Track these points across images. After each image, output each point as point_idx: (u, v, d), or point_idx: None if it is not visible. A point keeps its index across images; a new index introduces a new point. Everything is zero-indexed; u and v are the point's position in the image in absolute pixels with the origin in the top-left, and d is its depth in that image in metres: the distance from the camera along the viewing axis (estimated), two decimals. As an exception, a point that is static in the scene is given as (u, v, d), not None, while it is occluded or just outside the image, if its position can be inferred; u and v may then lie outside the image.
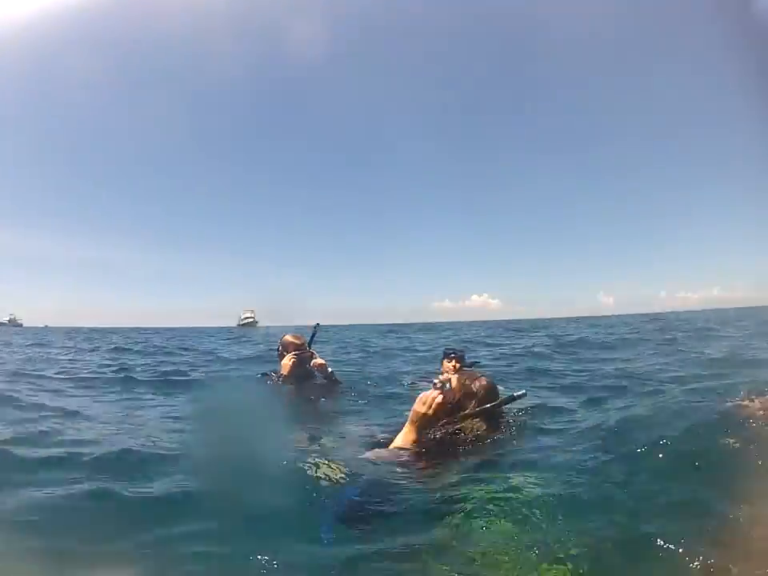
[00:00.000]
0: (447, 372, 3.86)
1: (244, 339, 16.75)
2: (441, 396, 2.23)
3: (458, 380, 2.37)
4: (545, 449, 2.23)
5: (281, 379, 3.73)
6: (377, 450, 2.24)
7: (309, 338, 3.87)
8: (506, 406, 2.34)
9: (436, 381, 2.32)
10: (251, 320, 63.28)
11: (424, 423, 2.22)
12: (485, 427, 2.24)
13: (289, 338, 3.92)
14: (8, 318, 76.66)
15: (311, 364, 3.75)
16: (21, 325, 74.31)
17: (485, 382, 2.36)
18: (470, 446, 2.17)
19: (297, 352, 3.75)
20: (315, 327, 3.95)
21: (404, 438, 2.22)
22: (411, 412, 2.26)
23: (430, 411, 2.21)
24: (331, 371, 3.83)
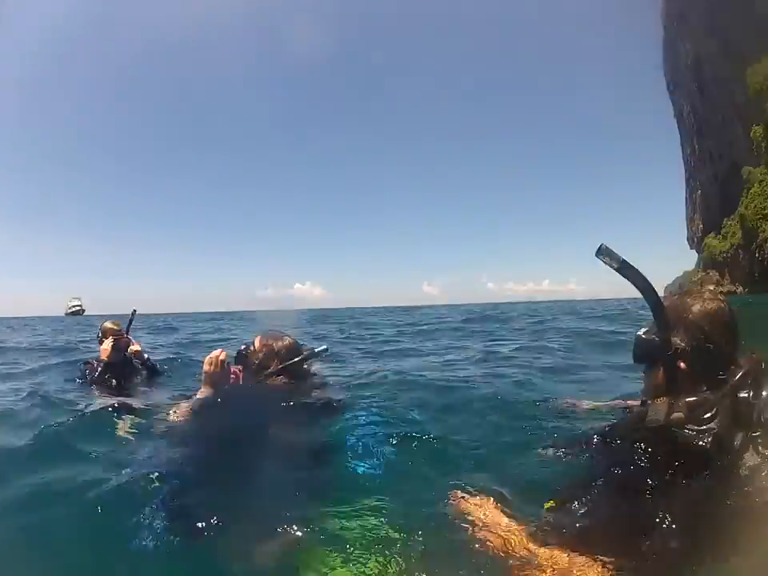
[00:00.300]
0: None
1: (67, 328, 15.10)
2: (224, 353, 2.33)
3: (260, 340, 2.38)
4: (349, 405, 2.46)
5: (101, 365, 3.85)
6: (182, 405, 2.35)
7: (126, 325, 4.08)
8: (311, 361, 2.44)
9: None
10: (78, 308, 64.56)
11: (214, 381, 2.29)
12: (289, 387, 2.28)
13: (108, 324, 4.05)
14: None
15: (128, 350, 3.99)
16: None
17: (287, 342, 2.38)
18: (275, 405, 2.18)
19: (114, 337, 3.92)
20: (132, 314, 4.15)
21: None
22: (202, 374, 2.34)
23: (218, 369, 2.29)
24: (147, 357, 4.05)
